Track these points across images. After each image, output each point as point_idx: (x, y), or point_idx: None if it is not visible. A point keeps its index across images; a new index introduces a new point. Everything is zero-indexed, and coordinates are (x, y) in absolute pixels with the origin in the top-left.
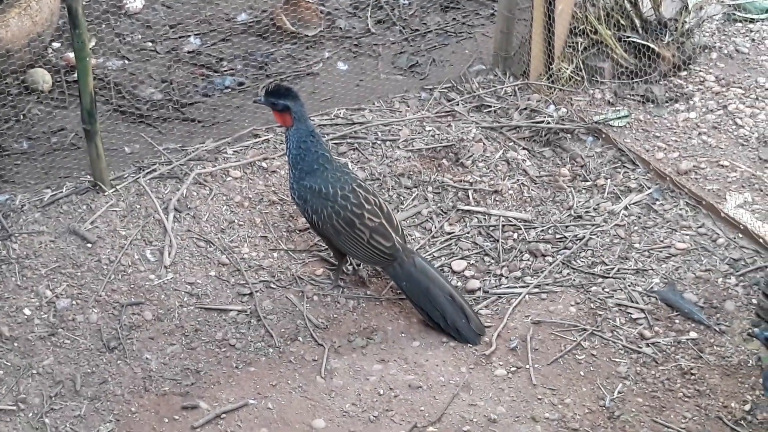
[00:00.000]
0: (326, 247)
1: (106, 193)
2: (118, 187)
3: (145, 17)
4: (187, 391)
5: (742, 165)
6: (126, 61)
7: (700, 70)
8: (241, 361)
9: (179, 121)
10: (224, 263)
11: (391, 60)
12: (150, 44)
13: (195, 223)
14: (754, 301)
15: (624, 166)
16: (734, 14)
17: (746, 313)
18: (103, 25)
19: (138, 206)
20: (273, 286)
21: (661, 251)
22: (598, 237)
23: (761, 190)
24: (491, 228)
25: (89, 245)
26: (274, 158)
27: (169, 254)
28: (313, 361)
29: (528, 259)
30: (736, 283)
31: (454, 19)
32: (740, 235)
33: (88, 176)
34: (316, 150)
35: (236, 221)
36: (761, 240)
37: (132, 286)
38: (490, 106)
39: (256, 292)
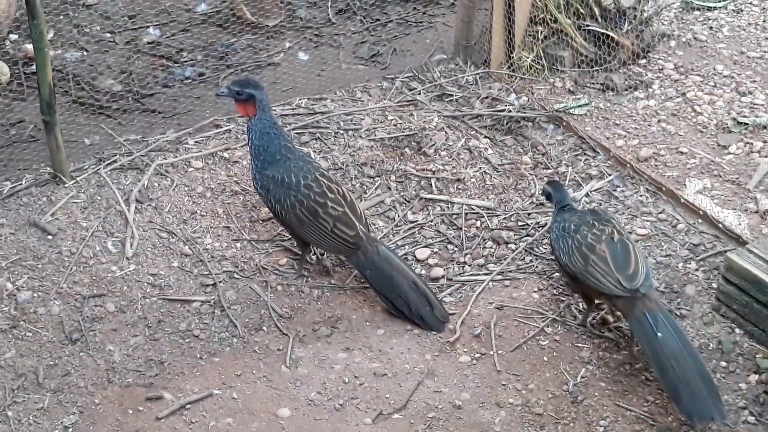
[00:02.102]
0: (290, 236)
1: (67, 185)
2: (78, 179)
3: (103, 8)
4: (151, 382)
5: (701, 151)
6: (85, 53)
7: (659, 58)
8: (205, 352)
9: (139, 112)
10: (187, 254)
11: (352, 50)
12: (109, 35)
13: (157, 214)
14: (714, 285)
15: (585, 154)
16: (692, 2)
17: (706, 298)
18: (62, 17)
19: (99, 198)
20: (236, 276)
21: None
22: None
23: (720, 176)
24: (454, 216)
25: (50, 237)
26: (235, 148)
27: (131, 245)
28: (278, 350)
29: (491, 247)
30: (697, 267)
31: (415, 8)
32: (700, 221)
33: (48, 168)
34: (279, 140)
35: (198, 212)
36: (720, 225)
37: (94, 278)
38: (452, 95)
39: (220, 282)
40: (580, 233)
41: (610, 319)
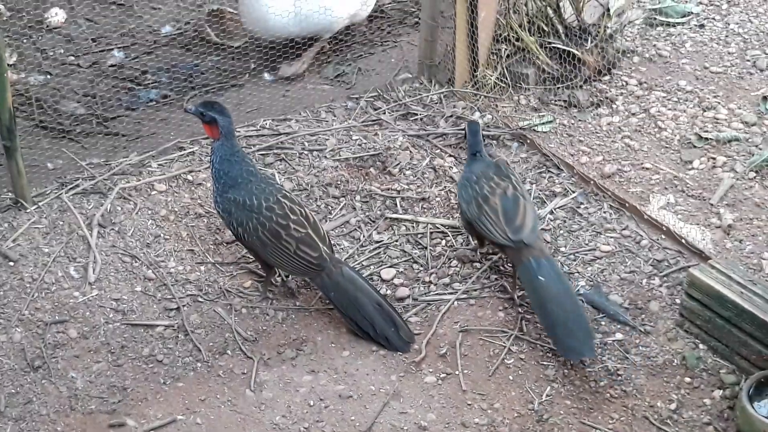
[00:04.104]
0: (254, 259)
1: (28, 210)
2: (40, 204)
3: (67, 31)
4: (114, 408)
5: (665, 167)
6: (48, 76)
7: (623, 75)
8: (169, 377)
9: (103, 135)
10: (150, 278)
11: (317, 70)
12: (72, 58)
13: (120, 239)
14: (678, 301)
15: (549, 171)
16: (654, 19)
17: (670, 314)
18: (24, 40)
19: (61, 222)
20: (200, 299)
21: (586, 254)
22: None
23: (684, 192)
24: (419, 235)
25: (11, 263)
26: (199, 171)
27: (94, 270)
28: (243, 374)
29: (456, 266)
30: (660, 283)
31: (380, 28)
32: (663, 237)
33: (10, 193)
34: (240, 166)
35: (162, 235)
36: (683, 241)
37: (56, 303)
38: (417, 114)
39: (184, 306)
40: (479, 184)
41: None
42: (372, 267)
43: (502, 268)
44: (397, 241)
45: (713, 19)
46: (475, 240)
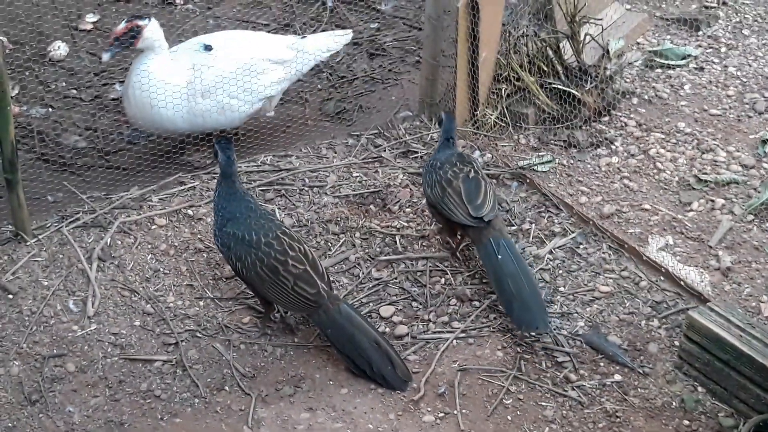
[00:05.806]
0: (253, 294)
1: (28, 243)
2: (40, 237)
3: (69, 65)
4: None
5: (664, 208)
6: (50, 109)
7: (622, 116)
8: (167, 413)
9: (104, 168)
10: (149, 313)
11: (318, 107)
12: (74, 92)
13: (119, 273)
14: (677, 343)
15: (548, 211)
16: (654, 61)
17: (669, 356)
18: (27, 73)
19: (61, 256)
20: (199, 335)
21: (585, 294)
22: None
23: (682, 233)
24: (418, 273)
25: (10, 296)
26: (200, 205)
27: (93, 304)
28: (240, 410)
29: (455, 304)
30: (659, 325)
31: (381, 66)
32: (662, 278)
33: (10, 226)
34: (240, 202)
35: (161, 270)
36: (682, 282)
37: (54, 337)
38: (417, 152)
39: (182, 341)
40: (443, 169)
41: (573, 377)
42: (371, 304)
43: (500, 307)
44: (396, 278)
45: (712, 62)
46: (440, 225)
